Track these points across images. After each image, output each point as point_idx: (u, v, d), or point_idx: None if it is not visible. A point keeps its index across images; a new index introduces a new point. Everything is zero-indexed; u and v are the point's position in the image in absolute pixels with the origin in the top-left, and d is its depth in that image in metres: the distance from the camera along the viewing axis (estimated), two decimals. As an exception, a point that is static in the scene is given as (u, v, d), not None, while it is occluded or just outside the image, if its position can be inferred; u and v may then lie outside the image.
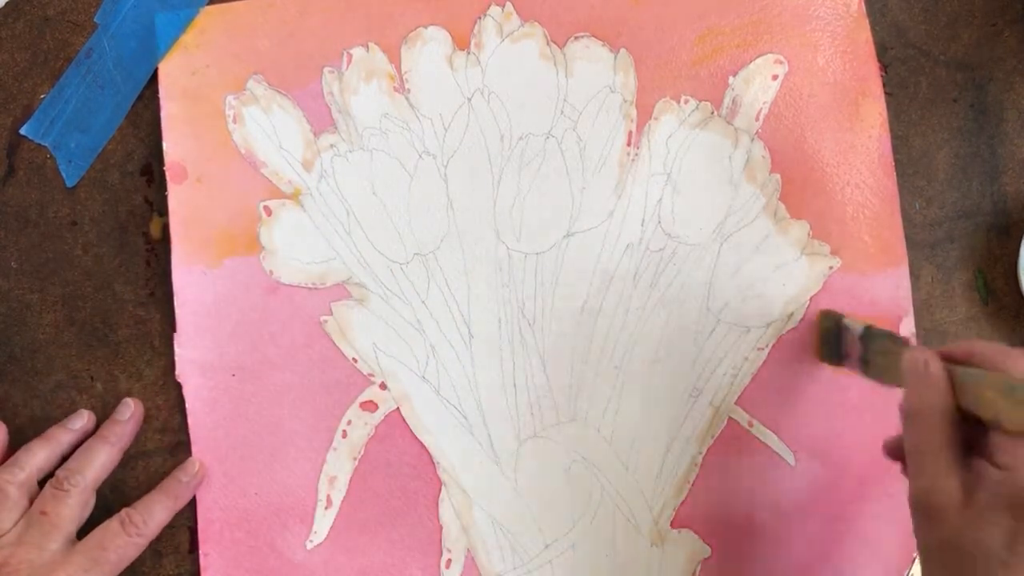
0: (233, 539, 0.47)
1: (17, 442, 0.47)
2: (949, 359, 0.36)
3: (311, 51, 0.49)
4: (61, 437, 0.47)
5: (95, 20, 0.50)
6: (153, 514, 0.45)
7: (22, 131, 0.50)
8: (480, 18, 0.49)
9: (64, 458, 0.46)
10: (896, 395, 0.38)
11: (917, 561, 0.40)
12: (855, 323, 0.44)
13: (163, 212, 0.49)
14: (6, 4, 0.51)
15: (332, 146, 0.49)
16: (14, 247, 0.50)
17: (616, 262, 0.48)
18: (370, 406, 0.48)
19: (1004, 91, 0.49)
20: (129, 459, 0.48)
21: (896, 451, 0.39)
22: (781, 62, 0.49)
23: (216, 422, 0.48)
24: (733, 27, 0.49)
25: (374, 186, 0.48)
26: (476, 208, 0.48)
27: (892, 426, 0.47)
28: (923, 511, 0.34)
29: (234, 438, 0.48)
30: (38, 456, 0.46)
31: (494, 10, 0.49)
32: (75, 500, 0.44)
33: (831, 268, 0.48)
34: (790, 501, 0.47)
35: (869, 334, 0.43)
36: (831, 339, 0.46)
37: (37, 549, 0.43)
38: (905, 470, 0.37)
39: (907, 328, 0.48)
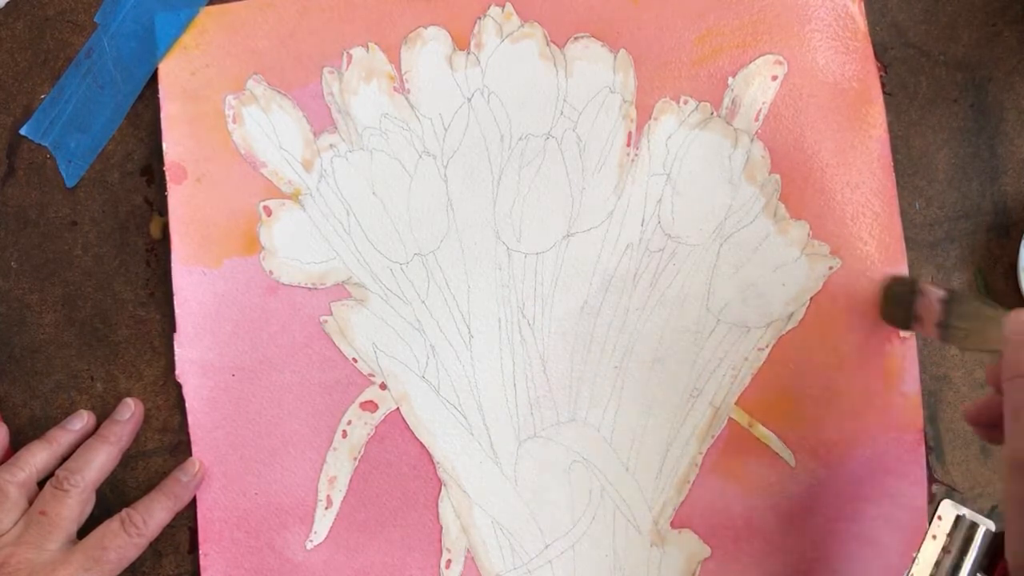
0: (233, 539, 0.47)
1: (17, 442, 0.47)
2: None
3: (311, 51, 0.49)
4: (61, 438, 0.47)
5: (95, 20, 0.50)
6: (153, 514, 0.45)
7: (22, 131, 0.50)
8: (480, 18, 0.49)
9: (64, 458, 0.46)
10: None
11: (916, 561, 0.40)
12: (935, 288, 0.43)
13: (163, 212, 0.49)
14: (6, 4, 0.51)
15: (332, 146, 0.49)
16: (14, 247, 0.50)
17: (616, 262, 0.48)
18: (370, 406, 0.48)
19: (1004, 91, 0.49)
20: (129, 459, 0.48)
21: (979, 416, 0.40)
22: (781, 62, 0.49)
23: (216, 422, 0.48)
24: (732, 27, 0.49)
25: (374, 186, 0.48)
26: (476, 208, 0.48)
27: (892, 426, 0.47)
28: (1021, 469, 0.34)
29: (234, 438, 0.48)
30: (38, 456, 0.46)
31: (494, 10, 0.49)
32: (75, 500, 0.44)
33: (831, 268, 0.48)
34: (790, 501, 0.47)
35: (954, 298, 0.42)
36: (903, 301, 0.45)
37: (37, 549, 0.43)
38: (985, 435, 0.39)
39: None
